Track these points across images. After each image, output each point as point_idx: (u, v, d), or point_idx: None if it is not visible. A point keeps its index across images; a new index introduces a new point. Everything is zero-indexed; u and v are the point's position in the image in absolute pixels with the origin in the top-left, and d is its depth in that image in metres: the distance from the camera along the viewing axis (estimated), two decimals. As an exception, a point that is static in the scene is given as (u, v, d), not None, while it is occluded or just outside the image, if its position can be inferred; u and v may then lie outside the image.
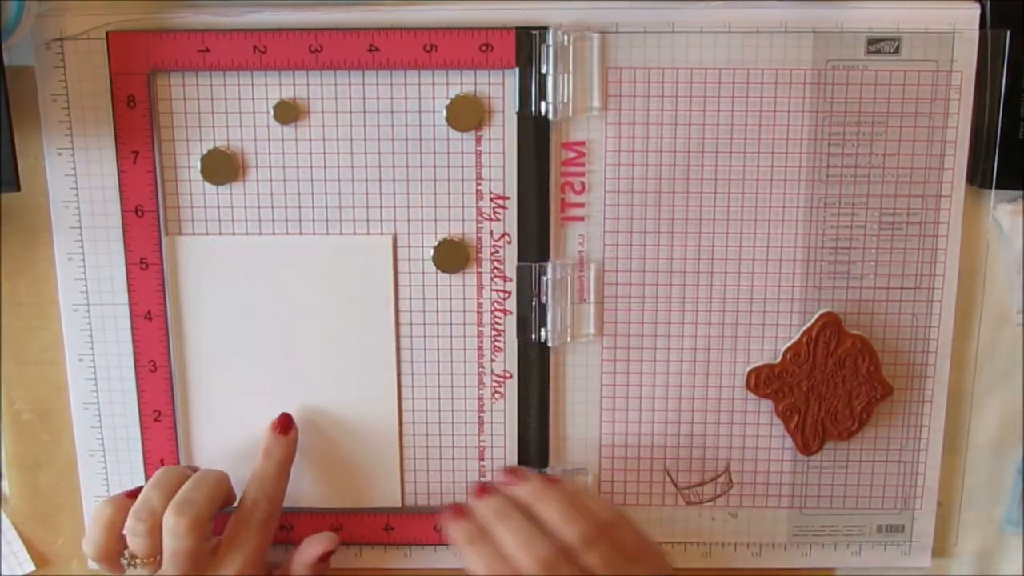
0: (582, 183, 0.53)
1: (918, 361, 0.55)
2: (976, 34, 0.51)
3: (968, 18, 0.51)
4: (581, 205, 0.54)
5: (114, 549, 0.51)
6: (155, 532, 0.50)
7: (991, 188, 0.53)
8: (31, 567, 0.58)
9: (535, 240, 0.54)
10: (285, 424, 0.54)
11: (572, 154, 0.53)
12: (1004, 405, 0.56)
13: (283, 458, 0.53)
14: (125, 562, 0.51)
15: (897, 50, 0.52)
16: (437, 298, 0.55)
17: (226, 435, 0.56)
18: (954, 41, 0.51)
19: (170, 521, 0.49)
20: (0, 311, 0.55)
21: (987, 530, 0.57)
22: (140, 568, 0.50)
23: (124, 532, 0.51)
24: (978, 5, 0.51)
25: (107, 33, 0.51)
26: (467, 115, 0.53)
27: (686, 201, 0.53)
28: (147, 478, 0.56)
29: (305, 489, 0.57)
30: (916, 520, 0.57)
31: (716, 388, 0.55)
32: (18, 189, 0.51)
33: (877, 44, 0.52)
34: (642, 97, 0.52)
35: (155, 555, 0.50)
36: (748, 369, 0.55)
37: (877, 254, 0.54)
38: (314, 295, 0.55)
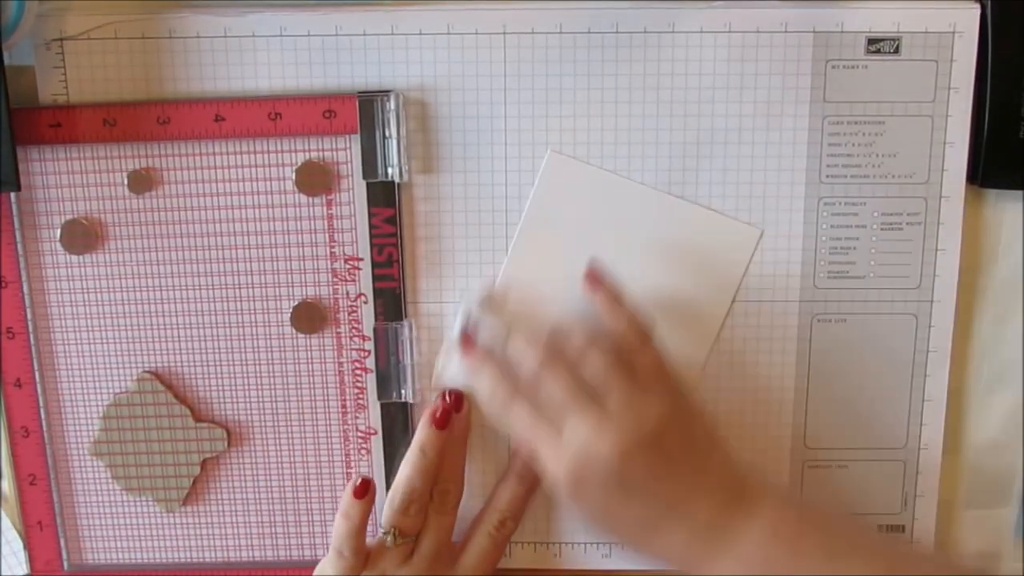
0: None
1: (918, 361, 0.55)
2: (976, 34, 0.51)
3: (968, 18, 0.51)
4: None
5: (361, 549, 0.53)
6: (423, 511, 0.53)
7: (991, 188, 0.53)
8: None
9: (391, 300, 0.54)
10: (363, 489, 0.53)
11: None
12: (1004, 405, 0.56)
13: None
14: (390, 539, 0.52)
15: (897, 50, 0.52)
16: (296, 361, 0.55)
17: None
18: (954, 41, 0.51)
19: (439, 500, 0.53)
20: None
21: (988, 530, 0.57)
22: (396, 546, 0.52)
23: (390, 512, 0.52)
24: (978, 5, 0.51)
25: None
26: (315, 180, 0.53)
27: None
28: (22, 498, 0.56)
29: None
30: (916, 520, 0.57)
31: (715, 389, 0.55)
32: (18, 189, 0.51)
33: (877, 44, 0.52)
34: (639, 103, 0.52)
35: (416, 532, 0.53)
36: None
37: (877, 254, 0.54)
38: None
